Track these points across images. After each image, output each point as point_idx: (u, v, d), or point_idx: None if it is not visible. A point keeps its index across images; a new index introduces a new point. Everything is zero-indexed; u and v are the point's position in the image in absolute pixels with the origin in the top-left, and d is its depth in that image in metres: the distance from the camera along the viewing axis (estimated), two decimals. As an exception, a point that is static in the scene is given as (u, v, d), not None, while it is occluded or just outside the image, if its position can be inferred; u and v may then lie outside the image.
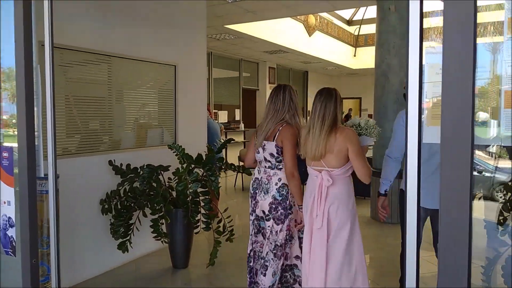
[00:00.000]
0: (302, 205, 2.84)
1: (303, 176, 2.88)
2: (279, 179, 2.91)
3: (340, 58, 13.12)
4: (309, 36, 10.87)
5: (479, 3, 1.23)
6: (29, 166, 2.21)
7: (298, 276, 3.06)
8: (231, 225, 4.06)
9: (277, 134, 2.87)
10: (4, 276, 2.58)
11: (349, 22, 13.90)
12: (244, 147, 10.49)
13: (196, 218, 3.86)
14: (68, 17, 3.65)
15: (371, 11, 12.68)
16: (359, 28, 13.78)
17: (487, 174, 3.03)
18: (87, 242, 3.88)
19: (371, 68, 12.40)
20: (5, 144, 2.41)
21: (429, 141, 1.37)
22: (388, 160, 2.97)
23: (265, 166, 2.98)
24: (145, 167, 4.01)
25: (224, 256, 4.29)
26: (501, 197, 2.18)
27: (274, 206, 2.91)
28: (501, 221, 2.09)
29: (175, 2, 4.83)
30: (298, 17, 10.13)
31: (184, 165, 3.96)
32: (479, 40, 1.29)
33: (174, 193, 4.09)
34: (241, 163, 8.12)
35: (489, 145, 2.82)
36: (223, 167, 4.19)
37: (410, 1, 1.34)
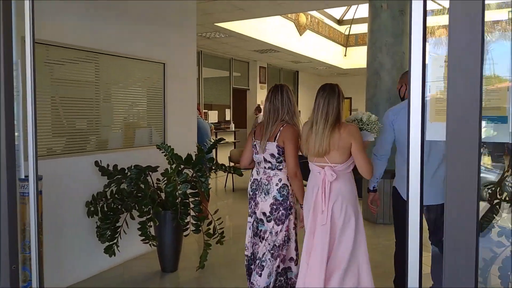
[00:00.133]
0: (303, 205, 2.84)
1: (304, 174, 2.90)
2: (280, 180, 2.90)
3: (330, 57, 13.09)
4: (300, 35, 10.82)
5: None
6: (8, 166, 2.10)
7: (291, 278, 3.03)
8: (221, 227, 3.97)
9: (278, 134, 2.86)
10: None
11: (340, 22, 13.88)
12: (235, 148, 10.40)
13: (186, 221, 3.77)
14: (54, 13, 3.54)
15: (362, 11, 12.68)
16: (350, 27, 13.78)
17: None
18: (73, 246, 3.77)
19: (361, 68, 12.40)
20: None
21: (432, 138, 1.29)
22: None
23: (265, 167, 2.96)
24: (132, 168, 3.91)
25: (214, 259, 4.21)
26: (488, 199, 2.15)
27: (275, 207, 2.90)
28: (487, 219, 2.04)
29: (163, -2, 4.73)
30: (289, 15, 10.07)
31: (173, 166, 3.87)
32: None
33: (162, 195, 4.00)
34: (232, 164, 8.05)
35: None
36: (213, 167, 4.10)
37: (413, 1, 1.27)
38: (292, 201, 2.93)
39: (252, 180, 3.05)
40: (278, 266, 2.93)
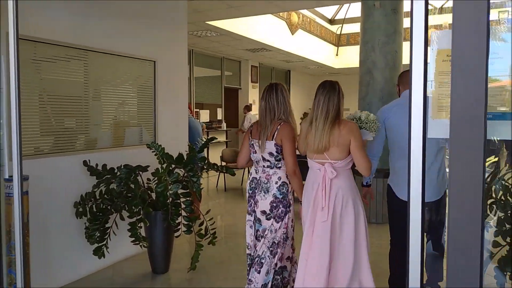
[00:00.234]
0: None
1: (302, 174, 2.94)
2: (279, 178, 2.92)
3: (322, 57, 13.08)
4: (292, 34, 10.78)
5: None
6: (-9, 166, 2.02)
7: (285, 277, 3.04)
8: (213, 227, 3.91)
9: (275, 133, 2.88)
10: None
11: (331, 21, 13.87)
12: (227, 147, 10.34)
13: (177, 221, 3.70)
14: (42, 8, 3.46)
15: (353, 10, 12.69)
16: (341, 27, 13.78)
17: None
18: (61, 247, 3.68)
19: (353, 67, 12.44)
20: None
21: (434, 136, 1.25)
22: None
23: (264, 166, 2.98)
24: (122, 167, 3.83)
25: (206, 259, 4.15)
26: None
27: (275, 204, 2.92)
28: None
29: (154, -5, 4.65)
30: (280, 14, 10.02)
31: (164, 165, 3.80)
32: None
33: (153, 195, 3.92)
34: (224, 163, 7.99)
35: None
36: (205, 167, 4.04)
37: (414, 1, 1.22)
38: (291, 199, 2.97)
39: (251, 179, 3.06)
40: (276, 264, 2.94)
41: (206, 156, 7.24)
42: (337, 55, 14.25)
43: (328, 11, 13.36)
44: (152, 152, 3.88)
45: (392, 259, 3.08)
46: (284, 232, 2.94)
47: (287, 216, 2.93)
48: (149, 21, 4.60)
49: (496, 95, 1.21)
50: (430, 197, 2.66)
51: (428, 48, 1.22)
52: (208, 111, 10.62)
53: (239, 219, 6.23)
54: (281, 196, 2.91)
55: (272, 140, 2.89)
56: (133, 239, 3.60)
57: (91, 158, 3.82)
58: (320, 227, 2.59)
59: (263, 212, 2.95)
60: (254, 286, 2.92)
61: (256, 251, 3.00)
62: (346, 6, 12.90)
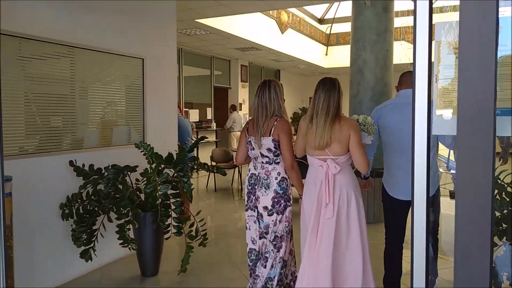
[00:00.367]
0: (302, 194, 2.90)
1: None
2: (278, 173, 2.96)
3: (312, 56, 13.07)
4: (282, 33, 10.74)
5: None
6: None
7: (284, 272, 3.08)
8: (204, 228, 3.83)
9: (272, 129, 2.92)
10: None
11: (321, 21, 13.87)
12: (217, 147, 10.25)
13: (167, 223, 3.61)
14: (27, 4, 3.35)
15: (343, 10, 12.70)
16: (331, 26, 13.78)
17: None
18: (46, 250, 3.57)
19: (342, 67, 12.43)
20: None
21: (439, 132, 1.20)
22: None
23: (262, 162, 3.01)
24: (110, 167, 3.73)
25: (197, 261, 4.07)
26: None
27: (276, 200, 2.96)
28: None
29: (142, -9, 4.55)
30: (270, 13, 9.96)
31: (153, 165, 3.72)
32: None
33: (142, 196, 3.82)
34: (214, 163, 7.91)
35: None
36: (195, 167, 3.96)
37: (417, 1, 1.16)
38: (291, 194, 3.02)
39: (249, 175, 3.09)
40: (281, 258, 2.98)
41: (196, 156, 7.15)
42: (326, 54, 14.26)
43: (318, 10, 13.36)
44: (141, 151, 3.79)
45: (387, 258, 3.07)
46: (286, 225, 2.98)
47: (287, 209, 2.98)
48: (137, 17, 4.51)
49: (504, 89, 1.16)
50: None
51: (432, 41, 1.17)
52: (197, 110, 10.53)
53: (229, 220, 6.16)
54: (282, 191, 2.96)
55: (269, 136, 2.92)
56: (122, 241, 3.51)
57: (78, 158, 3.72)
58: (326, 224, 2.61)
59: (265, 207, 2.98)
60: (260, 280, 2.97)
61: (261, 248, 3.03)
62: (335, 5, 12.91)
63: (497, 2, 1.05)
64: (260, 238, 3.02)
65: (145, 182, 3.72)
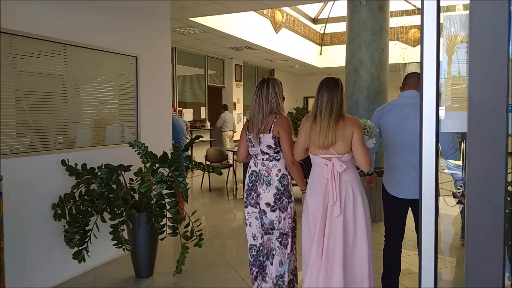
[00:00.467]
0: (305, 190, 2.93)
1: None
2: (279, 170, 2.99)
3: (306, 56, 13.05)
4: (276, 33, 10.70)
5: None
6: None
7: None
8: (199, 229, 3.78)
9: (272, 125, 2.95)
10: None
11: (315, 20, 13.85)
12: (211, 146, 10.20)
13: (161, 223, 3.55)
14: (19, 0, 3.28)
15: (336, 10, 12.69)
16: (325, 26, 13.77)
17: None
18: (38, 252, 3.50)
19: (336, 67, 12.42)
20: None
21: (447, 129, 1.16)
22: None
23: (263, 159, 3.03)
24: (103, 167, 3.67)
25: (192, 262, 4.02)
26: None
27: (278, 196, 2.98)
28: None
29: (136, -12, 4.49)
30: (264, 12, 9.92)
31: (148, 165, 3.66)
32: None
33: (136, 196, 3.77)
34: (208, 163, 7.85)
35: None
36: (190, 166, 3.90)
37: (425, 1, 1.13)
38: (292, 190, 3.05)
39: (250, 172, 3.10)
40: (289, 254, 3.01)
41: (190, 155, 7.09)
42: (320, 54, 14.24)
43: (312, 10, 13.33)
44: (135, 151, 3.73)
45: (386, 254, 3.10)
46: (290, 222, 3.01)
47: (289, 206, 3.01)
48: (131, 15, 4.44)
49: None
50: (416, 194, 2.65)
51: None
52: (191, 110, 10.46)
53: (224, 220, 6.11)
54: (283, 188, 2.98)
55: (269, 133, 2.94)
56: (115, 242, 3.45)
57: (70, 158, 3.65)
58: (333, 223, 2.62)
59: (267, 204, 2.99)
60: (269, 277, 3.00)
61: (266, 244, 3.05)
62: (329, 5, 12.89)
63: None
64: (265, 234, 3.04)
65: (139, 181, 3.67)
